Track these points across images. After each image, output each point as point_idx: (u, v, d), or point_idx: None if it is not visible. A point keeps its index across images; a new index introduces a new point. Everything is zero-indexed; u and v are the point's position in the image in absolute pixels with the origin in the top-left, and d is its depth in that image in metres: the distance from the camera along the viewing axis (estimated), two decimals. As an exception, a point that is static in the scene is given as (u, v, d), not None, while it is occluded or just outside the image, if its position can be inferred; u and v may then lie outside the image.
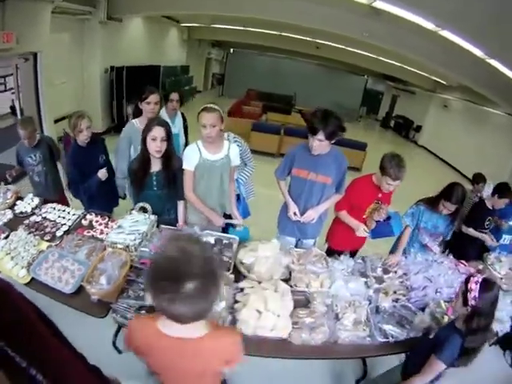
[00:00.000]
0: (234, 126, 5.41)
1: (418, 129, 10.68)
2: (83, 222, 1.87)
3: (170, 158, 1.73)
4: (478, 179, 3.16)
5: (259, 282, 1.46)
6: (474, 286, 1.16)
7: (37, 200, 1.96)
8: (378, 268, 1.76)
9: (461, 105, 8.98)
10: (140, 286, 1.33)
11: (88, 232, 1.77)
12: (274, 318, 1.26)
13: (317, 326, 1.31)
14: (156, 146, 1.62)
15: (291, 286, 1.51)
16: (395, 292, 1.59)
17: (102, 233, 1.76)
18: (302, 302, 1.47)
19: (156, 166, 1.73)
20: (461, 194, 1.89)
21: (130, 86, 5.65)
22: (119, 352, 1.75)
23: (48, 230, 1.74)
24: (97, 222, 1.87)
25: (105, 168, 2.10)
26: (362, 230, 1.89)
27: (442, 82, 9.56)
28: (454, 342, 1.16)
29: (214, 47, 13.01)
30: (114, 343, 1.76)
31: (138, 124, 2.09)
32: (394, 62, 8.73)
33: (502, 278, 1.95)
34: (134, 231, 1.55)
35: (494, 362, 1.70)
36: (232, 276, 1.47)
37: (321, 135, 1.58)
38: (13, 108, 5.52)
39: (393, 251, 2.12)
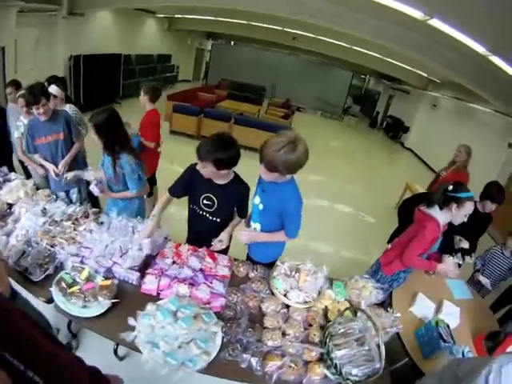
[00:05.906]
0: (161, 107, 6.38)
1: (406, 130, 10.49)
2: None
3: None
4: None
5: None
6: None
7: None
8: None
9: (450, 104, 8.73)
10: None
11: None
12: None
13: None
14: None
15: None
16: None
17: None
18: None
19: None
20: None
21: (88, 72, 6.82)
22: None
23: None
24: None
25: None
26: None
27: (433, 78, 9.32)
28: None
29: (209, 39, 13.92)
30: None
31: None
32: (375, 54, 8.70)
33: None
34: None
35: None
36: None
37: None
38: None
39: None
